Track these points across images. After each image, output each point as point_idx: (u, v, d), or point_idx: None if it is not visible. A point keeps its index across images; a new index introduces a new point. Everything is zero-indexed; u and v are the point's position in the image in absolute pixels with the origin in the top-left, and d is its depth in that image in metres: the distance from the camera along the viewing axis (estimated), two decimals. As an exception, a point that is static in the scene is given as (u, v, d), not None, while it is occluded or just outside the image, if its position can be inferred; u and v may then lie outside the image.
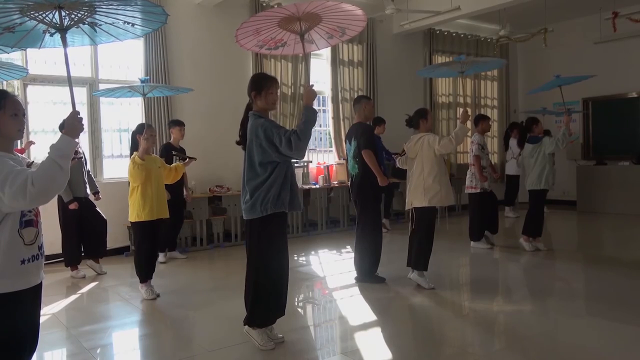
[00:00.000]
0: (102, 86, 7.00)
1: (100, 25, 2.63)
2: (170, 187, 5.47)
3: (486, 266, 6.03)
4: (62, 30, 2.42)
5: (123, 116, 7.22)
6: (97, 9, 2.46)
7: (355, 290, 4.98)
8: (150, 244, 4.76)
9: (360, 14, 3.55)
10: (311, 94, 3.30)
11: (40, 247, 2.15)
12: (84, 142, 6.77)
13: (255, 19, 3.56)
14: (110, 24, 2.63)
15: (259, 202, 3.27)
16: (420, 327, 4.07)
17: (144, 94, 5.14)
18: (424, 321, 4.19)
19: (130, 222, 4.78)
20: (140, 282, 4.79)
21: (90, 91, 6.91)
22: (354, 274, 5.29)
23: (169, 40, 7.29)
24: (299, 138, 3.08)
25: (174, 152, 5.88)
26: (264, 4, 7.89)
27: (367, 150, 4.97)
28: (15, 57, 6.09)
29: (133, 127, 7.09)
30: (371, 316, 4.31)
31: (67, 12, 2.42)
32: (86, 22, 2.56)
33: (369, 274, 5.12)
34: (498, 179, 7.11)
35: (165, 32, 7.22)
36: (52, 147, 2.04)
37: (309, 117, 3.18)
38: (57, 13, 2.37)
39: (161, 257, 6.26)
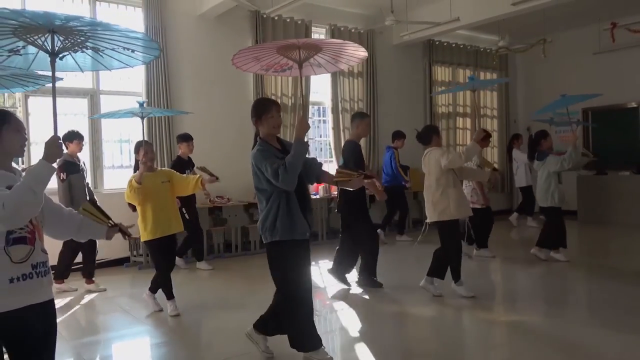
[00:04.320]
0: (103, 97, 7.04)
1: (103, 50, 2.67)
2: (180, 199, 5.41)
3: (489, 276, 6.02)
4: (53, 54, 2.42)
5: (124, 127, 7.23)
6: (89, 34, 2.48)
7: (357, 300, 4.96)
8: (165, 261, 4.70)
9: (359, 49, 3.59)
10: (303, 126, 3.26)
11: (35, 266, 2.08)
12: (85, 152, 6.76)
13: (251, 50, 3.58)
14: (112, 49, 2.67)
15: (262, 229, 3.28)
16: (423, 336, 4.05)
17: (142, 116, 5.18)
18: (427, 330, 4.17)
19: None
20: (167, 298, 4.69)
21: (92, 102, 6.94)
22: (353, 283, 5.41)
23: (170, 51, 7.32)
24: (286, 171, 3.04)
25: (199, 166, 5.73)
26: (264, 16, 7.94)
27: None
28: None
29: (133, 138, 7.19)
30: (373, 326, 4.29)
31: (63, 38, 2.44)
32: (88, 47, 2.59)
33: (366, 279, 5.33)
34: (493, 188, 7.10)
35: (166, 43, 7.26)
36: (29, 172, 2.01)
37: (299, 151, 3.12)
38: (49, 37, 2.38)
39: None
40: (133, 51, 2.73)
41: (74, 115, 6.93)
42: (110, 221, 2.39)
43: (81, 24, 2.38)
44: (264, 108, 3.31)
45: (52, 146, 2.09)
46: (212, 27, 7.75)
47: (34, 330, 2.10)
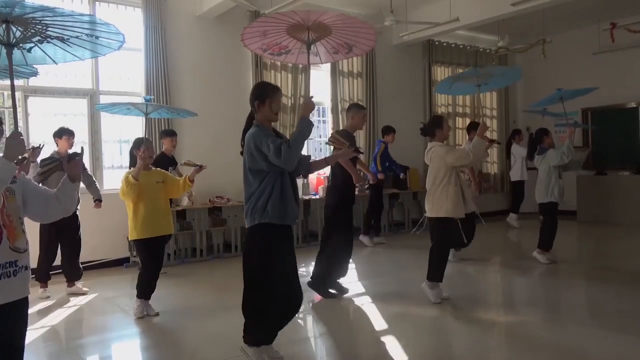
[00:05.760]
0: (102, 97, 7.03)
1: (68, 38, 2.63)
2: None
3: (487, 278, 6.02)
4: (9, 45, 2.38)
5: (123, 127, 7.22)
6: (46, 22, 2.44)
7: (357, 301, 4.96)
8: (152, 262, 4.59)
9: (371, 33, 3.53)
10: (309, 106, 3.25)
11: None
12: (84, 153, 6.75)
13: (264, 20, 3.52)
14: (76, 37, 2.64)
15: (249, 211, 3.22)
16: (422, 338, 4.05)
17: (146, 113, 5.06)
18: (427, 332, 4.17)
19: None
20: (137, 296, 4.62)
21: (91, 102, 6.93)
22: (352, 284, 5.38)
23: (169, 51, 7.32)
24: (290, 148, 3.01)
25: (184, 162, 5.53)
26: (264, 16, 7.92)
27: None
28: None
29: (133, 137, 7.16)
30: (373, 327, 4.29)
31: (22, 28, 2.40)
32: (52, 37, 2.54)
33: (320, 285, 5.04)
34: (489, 190, 6.91)
35: (166, 43, 7.26)
36: None
37: (303, 129, 3.12)
38: (5, 28, 2.34)
39: None
40: (97, 37, 2.69)
41: (73, 116, 6.93)
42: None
43: (28, 10, 2.33)
44: (268, 91, 3.27)
45: (14, 142, 2.00)
46: (212, 27, 7.75)
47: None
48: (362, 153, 3.69)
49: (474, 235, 6.37)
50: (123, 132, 7.27)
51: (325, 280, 5.04)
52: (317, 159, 3.61)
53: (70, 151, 5.52)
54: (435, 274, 4.72)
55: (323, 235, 5.21)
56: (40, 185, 2.30)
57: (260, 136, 3.13)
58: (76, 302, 5.26)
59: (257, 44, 3.72)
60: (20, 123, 6.34)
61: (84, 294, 5.51)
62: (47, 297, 5.35)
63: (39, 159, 5.05)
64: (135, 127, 7.20)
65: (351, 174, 4.91)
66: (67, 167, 2.23)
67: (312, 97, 3.35)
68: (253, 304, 3.29)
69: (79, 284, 5.61)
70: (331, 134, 3.68)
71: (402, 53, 9.97)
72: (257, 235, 3.23)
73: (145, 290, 4.60)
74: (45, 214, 2.27)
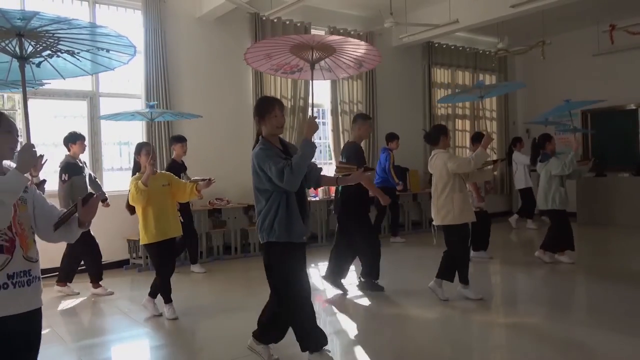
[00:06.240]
0: (102, 100, 7.04)
1: (79, 52, 2.60)
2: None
3: (490, 278, 6.01)
4: (22, 59, 2.37)
5: (123, 129, 7.22)
6: (58, 35, 2.41)
7: (357, 303, 4.96)
8: (164, 265, 4.61)
9: (374, 49, 3.55)
10: (312, 127, 3.17)
11: (12, 276, 1.97)
12: (84, 154, 6.75)
13: (263, 45, 3.51)
14: (86, 51, 2.61)
15: (259, 228, 3.23)
16: (423, 339, 4.04)
17: (151, 118, 5.08)
18: (427, 333, 4.16)
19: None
20: (164, 302, 4.64)
21: (91, 104, 6.94)
22: (352, 285, 5.39)
23: (169, 53, 7.32)
24: (292, 171, 2.98)
25: (192, 179, 5.56)
26: (264, 18, 7.94)
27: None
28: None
29: (133, 140, 7.19)
30: (373, 329, 4.29)
31: (34, 42, 2.39)
32: (62, 50, 2.52)
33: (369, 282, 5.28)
34: (491, 191, 7.02)
35: (165, 45, 7.26)
36: None
37: (306, 152, 3.04)
38: (18, 41, 2.32)
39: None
40: (108, 51, 2.66)
41: (73, 118, 6.94)
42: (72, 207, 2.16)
43: (44, 23, 2.30)
44: (267, 107, 3.23)
45: (26, 154, 1.99)
46: (212, 29, 7.75)
47: (12, 341, 2.00)
48: (372, 169, 3.66)
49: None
50: (122, 134, 7.27)
51: (371, 276, 5.25)
52: (329, 176, 3.55)
53: (82, 156, 5.73)
54: (446, 275, 4.81)
55: (341, 238, 5.36)
56: (50, 204, 2.26)
57: (264, 157, 3.09)
58: (75, 303, 5.26)
59: (266, 66, 3.69)
60: (20, 125, 6.34)
61: (76, 293, 5.58)
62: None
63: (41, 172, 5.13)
64: (135, 130, 7.22)
65: (378, 197, 5.02)
66: (81, 211, 2.14)
67: (315, 117, 3.30)
68: (272, 308, 3.38)
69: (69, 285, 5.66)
70: (336, 166, 3.63)
71: (401, 55, 9.97)
72: (267, 252, 3.27)
73: (157, 293, 4.64)
74: (44, 235, 2.21)
